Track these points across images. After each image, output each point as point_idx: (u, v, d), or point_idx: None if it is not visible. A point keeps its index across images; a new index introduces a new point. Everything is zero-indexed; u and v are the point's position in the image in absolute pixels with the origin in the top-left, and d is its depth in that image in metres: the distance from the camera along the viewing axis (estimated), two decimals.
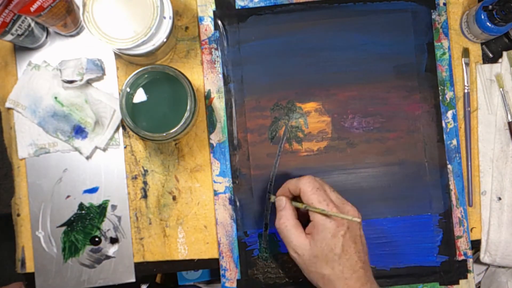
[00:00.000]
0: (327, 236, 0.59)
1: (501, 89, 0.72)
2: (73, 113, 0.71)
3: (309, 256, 0.60)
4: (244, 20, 0.72)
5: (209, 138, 0.72)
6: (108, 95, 0.72)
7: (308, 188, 0.61)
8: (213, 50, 0.72)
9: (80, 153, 0.72)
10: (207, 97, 0.72)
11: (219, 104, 0.72)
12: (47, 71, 0.71)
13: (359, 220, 0.60)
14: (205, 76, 0.72)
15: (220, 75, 0.72)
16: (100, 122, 0.71)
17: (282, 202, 0.64)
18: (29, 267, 0.72)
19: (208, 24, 0.72)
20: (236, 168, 0.72)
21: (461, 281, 0.72)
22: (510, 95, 0.73)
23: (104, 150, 0.72)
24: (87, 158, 0.72)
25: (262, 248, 0.71)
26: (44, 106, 0.71)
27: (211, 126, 0.72)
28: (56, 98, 0.71)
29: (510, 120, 0.72)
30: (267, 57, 0.72)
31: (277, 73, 0.72)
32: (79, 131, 0.71)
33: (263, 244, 0.72)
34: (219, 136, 0.72)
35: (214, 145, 0.72)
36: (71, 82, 0.70)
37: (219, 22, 0.72)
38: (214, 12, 0.72)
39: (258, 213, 0.72)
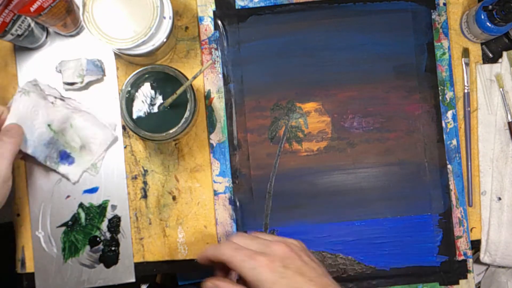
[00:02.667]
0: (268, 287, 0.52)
1: (501, 89, 0.72)
2: (59, 138, 0.69)
3: None
4: (244, 20, 0.72)
5: (209, 138, 0.72)
6: (97, 122, 0.71)
7: (228, 253, 0.54)
8: (213, 50, 0.72)
9: (68, 179, 0.71)
10: (207, 97, 0.72)
11: (219, 104, 0.72)
12: (36, 92, 0.68)
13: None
14: (205, 76, 0.72)
15: (220, 75, 0.72)
16: (88, 147, 0.70)
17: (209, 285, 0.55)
18: (29, 267, 0.72)
19: (208, 24, 0.72)
20: (236, 168, 0.72)
21: (461, 281, 0.72)
22: (510, 95, 0.73)
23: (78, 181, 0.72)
24: (74, 183, 0.71)
25: None
26: (37, 134, 0.67)
27: (211, 126, 0.72)
28: (49, 125, 0.68)
29: (510, 120, 0.72)
30: (267, 57, 0.72)
31: (277, 73, 0.72)
32: (64, 156, 0.70)
33: None
34: (219, 136, 0.72)
35: (214, 145, 0.72)
36: (71, 84, 0.70)
37: (219, 22, 0.72)
38: (214, 12, 0.72)
39: (258, 213, 0.72)
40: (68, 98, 0.71)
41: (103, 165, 0.72)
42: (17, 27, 0.64)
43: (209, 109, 0.72)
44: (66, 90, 0.71)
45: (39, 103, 0.68)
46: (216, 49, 0.72)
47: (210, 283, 0.55)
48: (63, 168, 0.70)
